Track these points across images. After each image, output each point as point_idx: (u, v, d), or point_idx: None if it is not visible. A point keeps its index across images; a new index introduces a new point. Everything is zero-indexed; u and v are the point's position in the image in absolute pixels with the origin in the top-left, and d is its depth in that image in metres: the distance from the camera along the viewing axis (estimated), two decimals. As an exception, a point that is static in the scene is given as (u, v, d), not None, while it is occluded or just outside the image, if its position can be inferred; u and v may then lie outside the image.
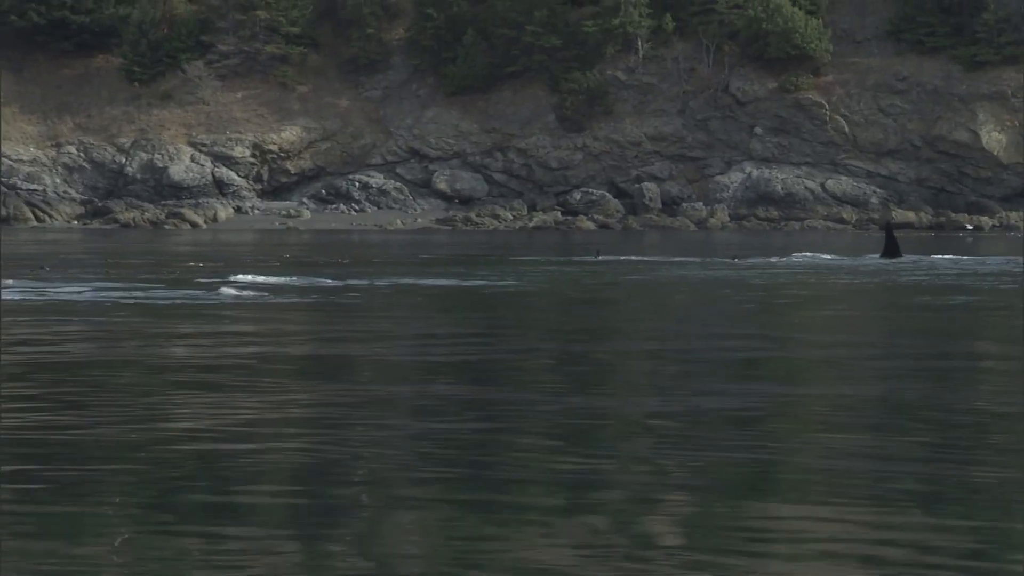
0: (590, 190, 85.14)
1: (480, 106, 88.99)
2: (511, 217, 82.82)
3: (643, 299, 28.00)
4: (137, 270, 35.30)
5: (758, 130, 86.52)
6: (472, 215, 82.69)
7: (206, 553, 7.28)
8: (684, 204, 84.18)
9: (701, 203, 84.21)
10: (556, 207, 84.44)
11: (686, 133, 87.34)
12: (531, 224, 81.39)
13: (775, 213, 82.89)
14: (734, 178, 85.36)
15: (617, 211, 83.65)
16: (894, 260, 40.40)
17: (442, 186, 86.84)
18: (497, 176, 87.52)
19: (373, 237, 71.93)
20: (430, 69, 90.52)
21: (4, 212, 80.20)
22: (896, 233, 46.13)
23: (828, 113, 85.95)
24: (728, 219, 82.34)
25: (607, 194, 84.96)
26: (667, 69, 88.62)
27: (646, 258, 43.21)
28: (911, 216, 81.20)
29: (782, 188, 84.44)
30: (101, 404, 12.38)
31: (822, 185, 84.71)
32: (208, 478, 9.18)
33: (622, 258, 42.49)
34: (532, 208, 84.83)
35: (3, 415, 11.50)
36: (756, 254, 45.21)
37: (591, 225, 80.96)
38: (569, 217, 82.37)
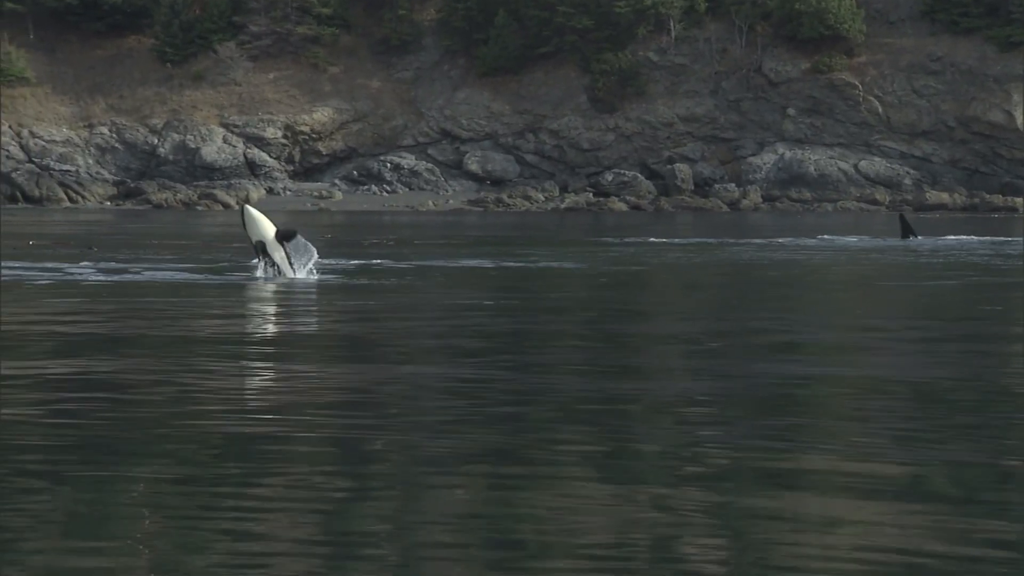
0: (622, 171, 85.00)
1: (512, 87, 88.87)
2: (543, 198, 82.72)
3: (669, 280, 27.91)
4: (189, 251, 35.35)
5: (791, 111, 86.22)
6: (504, 196, 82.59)
7: (235, 536, 7.24)
8: (716, 185, 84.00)
9: (734, 184, 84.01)
10: (588, 188, 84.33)
11: (718, 114, 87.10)
12: (563, 206, 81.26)
13: (808, 194, 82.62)
14: (767, 159, 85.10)
15: (649, 192, 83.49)
16: (908, 241, 41.56)
17: (474, 167, 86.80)
18: (529, 157, 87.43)
19: (405, 218, 71.91)
20: (462, 50, 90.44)
21: (37, 193, 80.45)
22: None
23: (861, 94, 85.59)
24: (761, 200, 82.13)
25: (639, 175, 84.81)
26: (699, 50, 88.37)
27: (674, 240, 43.05)
28: (945, 197, 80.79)
29: (815, 169, 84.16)
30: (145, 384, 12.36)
31: (855, 166, 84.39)
32: (240, 457, 9.15)
33: (651, 240, 42.36)
34: (564, 189, 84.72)
35: (51, 390, 11.50)
36: (790, 235, 45.14)
37: (623, 207, 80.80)
38: (601, 199, 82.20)
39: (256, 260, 25.23)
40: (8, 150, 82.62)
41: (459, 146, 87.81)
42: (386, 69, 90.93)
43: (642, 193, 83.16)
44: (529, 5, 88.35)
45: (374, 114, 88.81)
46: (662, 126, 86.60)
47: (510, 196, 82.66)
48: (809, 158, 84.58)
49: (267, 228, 25.06)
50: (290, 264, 24.92)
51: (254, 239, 25.11)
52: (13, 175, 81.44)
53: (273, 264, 24.99)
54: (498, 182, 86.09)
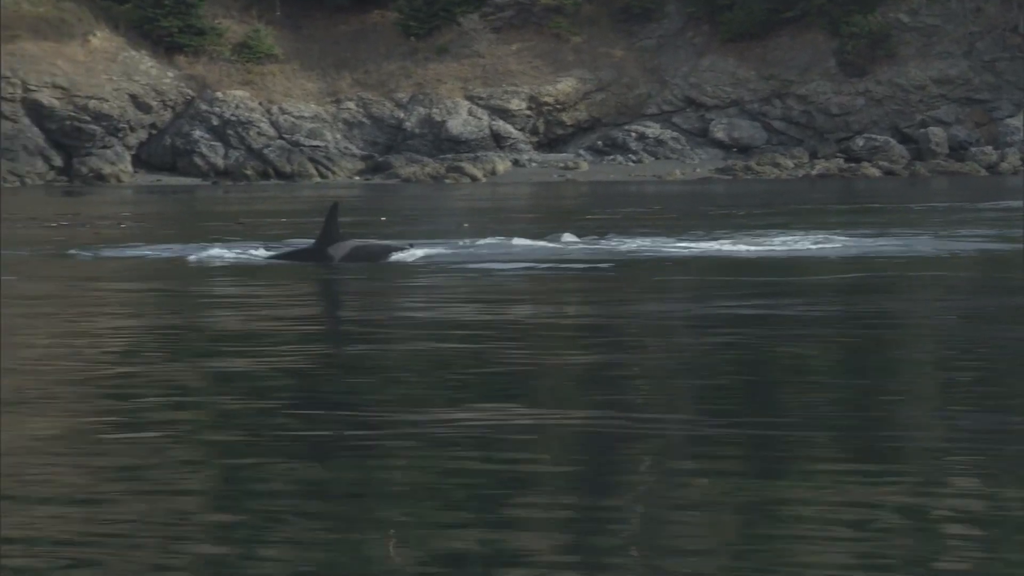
0: (873, 136, 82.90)
1: (758, 53, 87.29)
2: (792, 165, 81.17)
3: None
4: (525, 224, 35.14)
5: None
6: (752, 164, 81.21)
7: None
8: (972, 149, 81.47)
9: (990, 147, 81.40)
10: (838, 154, 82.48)
11: (972, 75, 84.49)
12: (813, 172, 79.70)
13: (1070, 156, 79.74)
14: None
15: (902, 157, 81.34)
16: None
17: (720, 135, 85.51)
18: (776, 123, 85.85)
19: (651, 188, 71.24)
20: (705, 16, 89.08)
21: (289, 169, 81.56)
22: None
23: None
24: (1020, 163, 79.45)
25: (891, 140, 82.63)
26: (952, 10, 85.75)
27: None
28: None
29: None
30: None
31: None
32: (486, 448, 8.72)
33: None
34: (813, 155, 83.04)
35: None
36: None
37: (876, 172, 78.90)
38: (853, 164, 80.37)
39: None
40: (259, 127, 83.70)
41: (704, 114, 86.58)
42: (629, 38, 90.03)
43: (895, 158, 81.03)
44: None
45: (617, 83, 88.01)
46: (914, 89, 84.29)
47: (758, 163, 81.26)
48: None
49: None
50: None
51: None
52: (265, 151, 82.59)
53: None
54: (745, 149, 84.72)
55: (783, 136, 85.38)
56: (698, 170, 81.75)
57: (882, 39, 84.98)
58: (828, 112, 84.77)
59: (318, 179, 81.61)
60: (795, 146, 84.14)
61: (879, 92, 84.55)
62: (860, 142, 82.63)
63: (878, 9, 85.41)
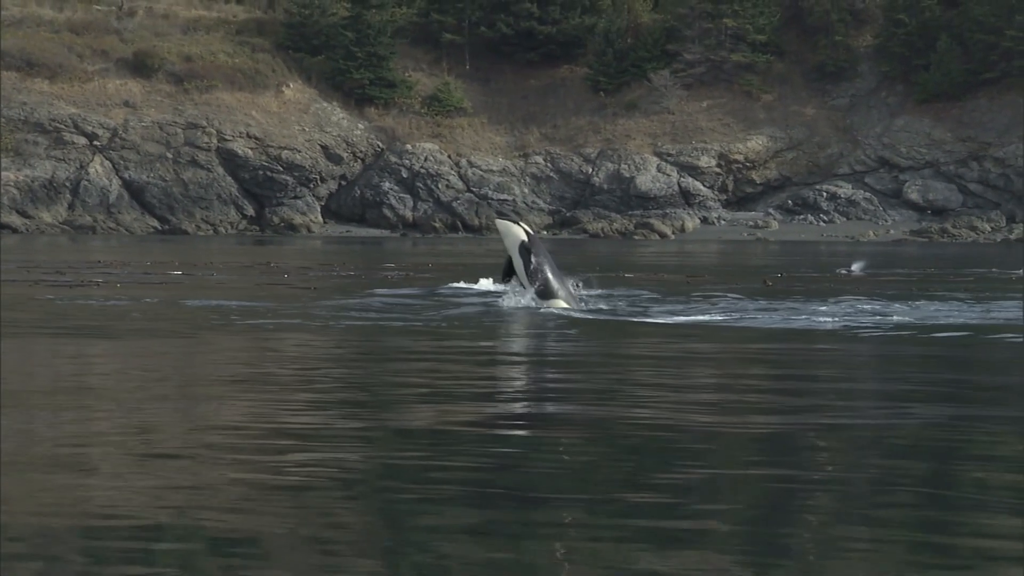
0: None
1: (954, 114, 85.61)
2: (989, 229, 79.37)
3: None
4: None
5: None
6: (948, 226, 79.56)
7: None
8: None
9: None
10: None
11: None
12: (1012, 236, 77.81)
13: None
14: None
15: (1104, 223, 79.20)
16: None
17: (914, 196, 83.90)
18: (972, 186, 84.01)
19: (847, 248, 69.91)
20: (900, 76, 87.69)
21: (476, 222, 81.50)
22: None
23: None
24: None
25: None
26: None
27: None
28: None
29: None
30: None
31: None
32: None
33: None
34: (1011, 219, 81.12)
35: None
36: None
37: (1078, 237, 76.86)
38: (1053, 229, 78.40)
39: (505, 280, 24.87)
40: (448, 179, 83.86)
41: (898, 175, 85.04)
42: (821, 96, 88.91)
43: (1096, 223, 78.93)
44: (974, 30, 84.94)
45: (809, 142, 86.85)
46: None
47: (954, 226, 79.58)
48: None
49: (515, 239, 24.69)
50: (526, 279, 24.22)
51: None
52: (453, 204, 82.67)
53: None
54: (939, 212, 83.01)
55: (979, 199, 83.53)
56: (891, 232, 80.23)
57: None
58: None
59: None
60: (991, 209, 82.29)
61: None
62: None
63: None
